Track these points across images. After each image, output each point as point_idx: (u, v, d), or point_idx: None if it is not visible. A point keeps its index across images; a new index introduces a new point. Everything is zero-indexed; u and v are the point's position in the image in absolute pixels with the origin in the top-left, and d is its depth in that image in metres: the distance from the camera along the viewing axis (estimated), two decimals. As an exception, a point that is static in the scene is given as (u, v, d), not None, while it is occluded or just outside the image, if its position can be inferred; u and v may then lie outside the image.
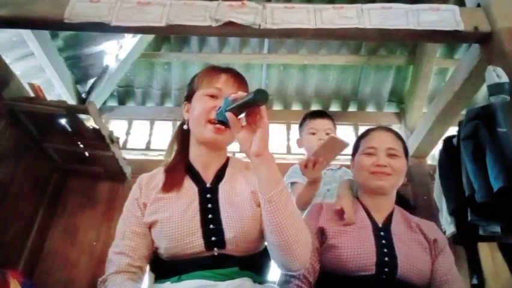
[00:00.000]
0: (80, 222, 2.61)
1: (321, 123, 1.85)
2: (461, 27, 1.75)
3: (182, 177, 1.11)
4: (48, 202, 2.60)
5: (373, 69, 3.22)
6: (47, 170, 2.61)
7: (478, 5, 1.88)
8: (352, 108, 3.37)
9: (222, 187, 1.10)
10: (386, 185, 1.32)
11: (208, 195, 1.08)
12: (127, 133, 3.20)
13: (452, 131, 2.25)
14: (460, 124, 1.97)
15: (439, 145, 2.23)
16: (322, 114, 1.94)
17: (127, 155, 2.79)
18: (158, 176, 1.14)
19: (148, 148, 3.12)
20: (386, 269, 1.18)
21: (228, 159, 1.19)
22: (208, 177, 1.12)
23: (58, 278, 2.43)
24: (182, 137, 1.19)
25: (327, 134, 1.75)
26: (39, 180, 2.54)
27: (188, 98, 1.17)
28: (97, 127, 2.29)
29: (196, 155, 1.14)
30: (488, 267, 2.28)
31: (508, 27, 1.73)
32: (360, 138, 1.46)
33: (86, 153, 2.52)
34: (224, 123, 0.99)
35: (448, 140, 2.12)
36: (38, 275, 2.42)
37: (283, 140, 3.15)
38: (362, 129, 3.21)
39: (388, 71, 3.23)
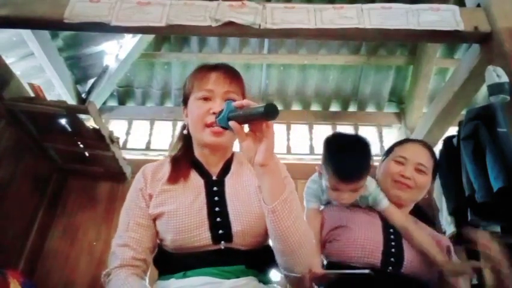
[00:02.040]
0: (80, 222, 2.61)
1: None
2: (461, 27, 1.75)
3: (188, 169, 1.10)
4: (48, 202, 2.60)
5: (373, 69, 3.21)
6: (47, 170, 2.61)
7: (478, 5, 1.88)
8: (352, 108, 3.36)
9: (228, 180, 1.10)
10: (403, 197, 1.34)
11: (215, 188, 1.07)
12: (127, 133, 3.20)
13: (452, 131, 2.24)
14: (460, 124, 1.97)
15: (439, 145, 2.23)
16: None
17: (127, 155, 2.78)
18: (164, 167, 1.13)
19: (148, 148, 3.11)
20: (392, 259, 1.21)
21: (233, 154, 1.18)
22: (213, 171, 1.12)
23: (58, 278, 2.43)
24: (186, 139, 1.19)
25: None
26: (39, 180, 2.54)
27: (185, 102, 1.16)
28: (97, 127, 2.28)
29: (200, 154, 1.14)
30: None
31: (508, 27, 1.73)
32: (395, 145, 1.47)
33: (86, 153, 2.52)
34: (225, 128, 0.95)
35: (448, 140, 2.12)
36: (38, 275, 2.42)
37: (283, 140, 3.14)
38: (362, 129, 3.21)
39: (388, 71, 3.22)
